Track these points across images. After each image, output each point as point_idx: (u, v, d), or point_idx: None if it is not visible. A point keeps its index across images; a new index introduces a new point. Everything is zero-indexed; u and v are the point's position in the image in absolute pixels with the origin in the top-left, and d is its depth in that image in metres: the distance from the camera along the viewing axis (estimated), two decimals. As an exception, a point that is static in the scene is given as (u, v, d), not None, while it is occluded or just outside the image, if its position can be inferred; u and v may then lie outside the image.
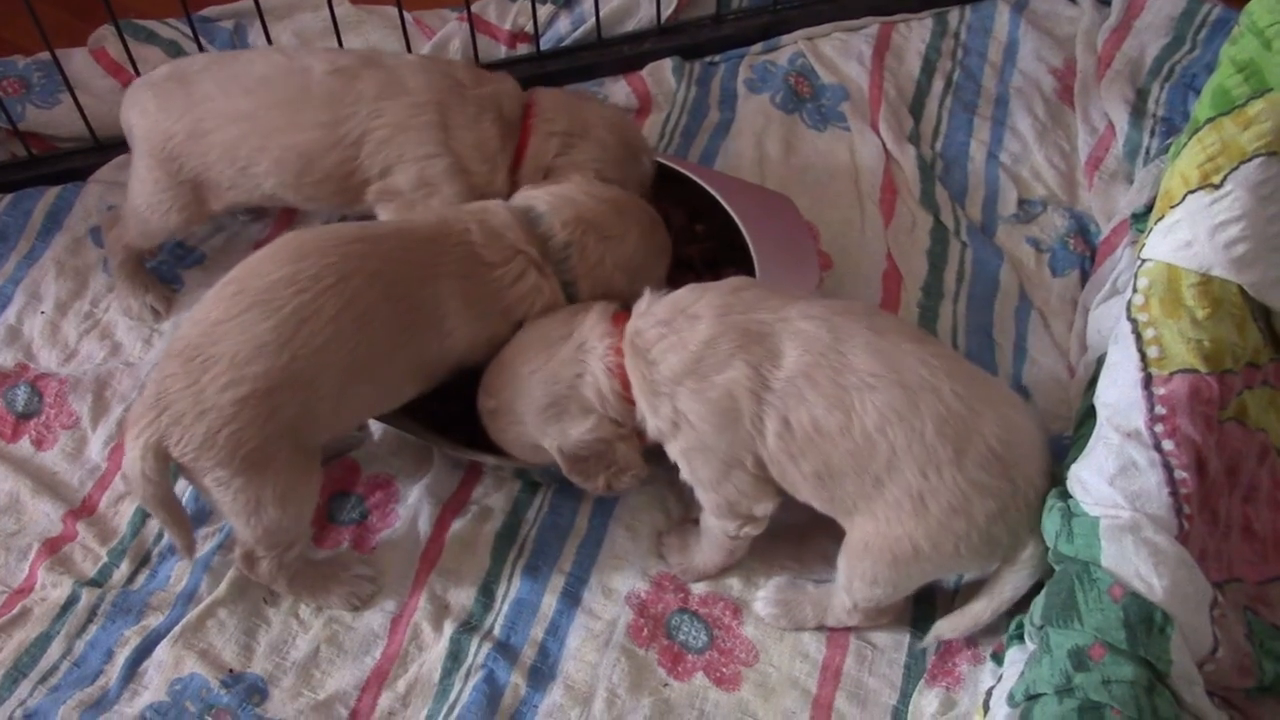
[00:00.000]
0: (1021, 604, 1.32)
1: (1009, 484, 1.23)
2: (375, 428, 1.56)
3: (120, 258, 1.67)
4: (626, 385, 1.29)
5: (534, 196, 1.43)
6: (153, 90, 1.54)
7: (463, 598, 1.42)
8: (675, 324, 1.27)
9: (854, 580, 1.30)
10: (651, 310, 1.30)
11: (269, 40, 1.83)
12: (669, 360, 1.26)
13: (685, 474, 1.31)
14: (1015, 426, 1.25)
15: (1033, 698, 1.14)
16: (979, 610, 1.32)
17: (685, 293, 1.31)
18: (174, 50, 1.90)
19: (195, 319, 1.29)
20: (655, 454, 1.34)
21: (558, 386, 1.31)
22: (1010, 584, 1.30)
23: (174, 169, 1.53)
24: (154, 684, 1.35)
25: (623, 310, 1.34)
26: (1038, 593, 1.24)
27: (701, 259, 1.64)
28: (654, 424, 1.29)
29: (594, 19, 1.96)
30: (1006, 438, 1.23)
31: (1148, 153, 1.79)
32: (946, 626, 1.34)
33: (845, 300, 1.45)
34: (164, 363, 1.28)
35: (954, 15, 2.05)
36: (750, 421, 1.25)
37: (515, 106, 1.54)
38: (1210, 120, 1.31)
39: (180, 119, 1.51)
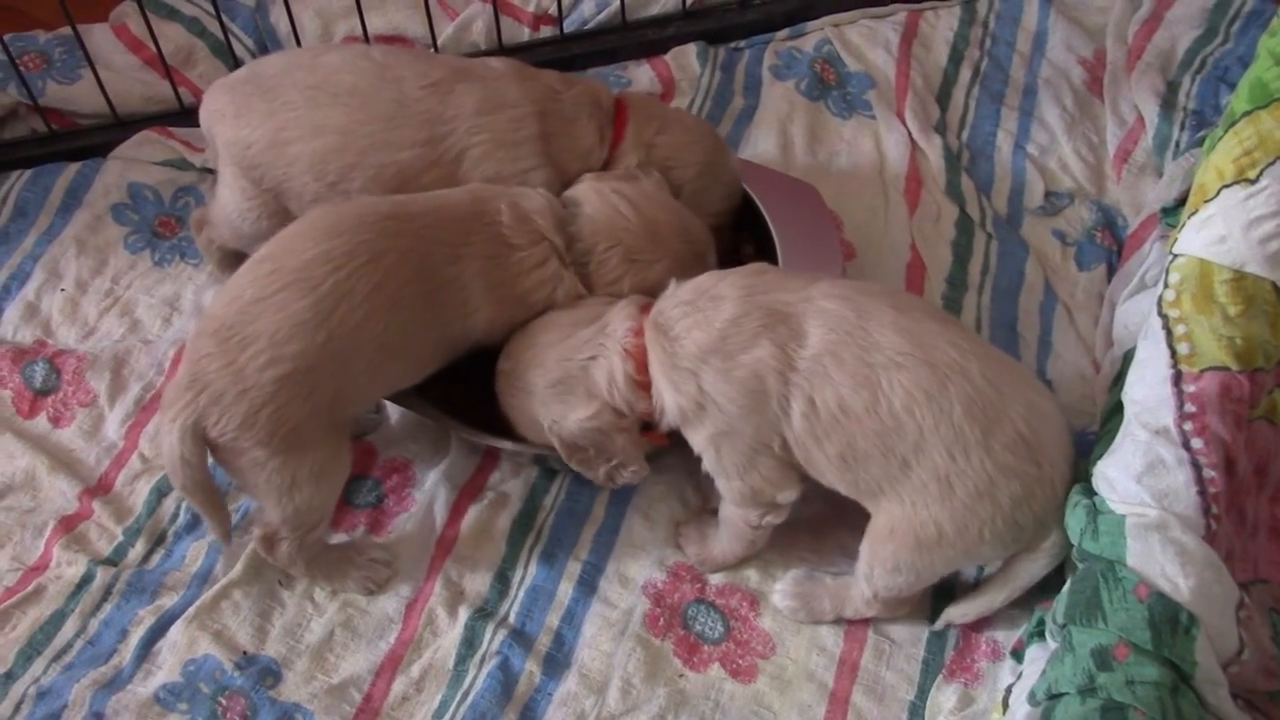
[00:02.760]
0: (1039, 597, 1.31)
1: (1035, 468, 1.22)
2: (392, 410, 1.56)
3: (216, 257, 1.66)
4: (642, 368, 1.28)
5: (586, 193, 1.41)
6: (231, 94, 1.48)
7: (478, 584, 1.41)
8: (699, 304, 1.26)
9: (875, 567, 1.29)
10: (675, 293, 1.29)
11: (291, 19, 1.82)
12: (693, 336, 1.25)
13: (709, 462, 1.30)
14: (1041, 410, 1.24)
15: (1054, 697, 1.13)
16: (992, 596, 1.31)
17: (707, 277, 1.30)
18: (195, 27, 1.89)
19: (228, 298, 1.28)
20: (674, 441, 1.33)
21: (569, 364, 1.30)
22: (1027, 572, 1.29)
23: (256, 177, 1.48)
24: (167, 664, 1.34)
25: (651, 303, 1.33)
26: (1058, 587, 1.23)
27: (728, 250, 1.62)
28: (675, 404, 1.27)
29: (618, 2, 1.94)
30: (1033, 421, 1.22)
31: (1177, 146, 1.76)
32: (958, 611, 1.34)
33: (867, 281, 1.44)
34: (197, 342, 1.26)
35: (983, 4, 2.03)
36: (777, 403, 1.23)
37: (609, 98, 1.52)
38: (1247, 113, 1.29)
39: (259, 126, 1.45)
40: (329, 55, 1.50)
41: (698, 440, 1.29)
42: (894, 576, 1.28)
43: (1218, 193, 1.27)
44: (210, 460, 1.29)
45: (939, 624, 1.36)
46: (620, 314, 1.31)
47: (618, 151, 1.50)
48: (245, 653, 1.35)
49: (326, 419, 1.28)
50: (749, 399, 1.24)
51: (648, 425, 1.32)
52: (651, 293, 1.36)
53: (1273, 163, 1.24)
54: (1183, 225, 1.30)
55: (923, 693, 1.34)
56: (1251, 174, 1.25)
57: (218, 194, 1.56)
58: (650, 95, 1.62)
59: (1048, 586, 1.31)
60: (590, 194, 1.41)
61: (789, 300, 1.25)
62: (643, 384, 1.28)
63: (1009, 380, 1.23)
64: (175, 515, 1.48)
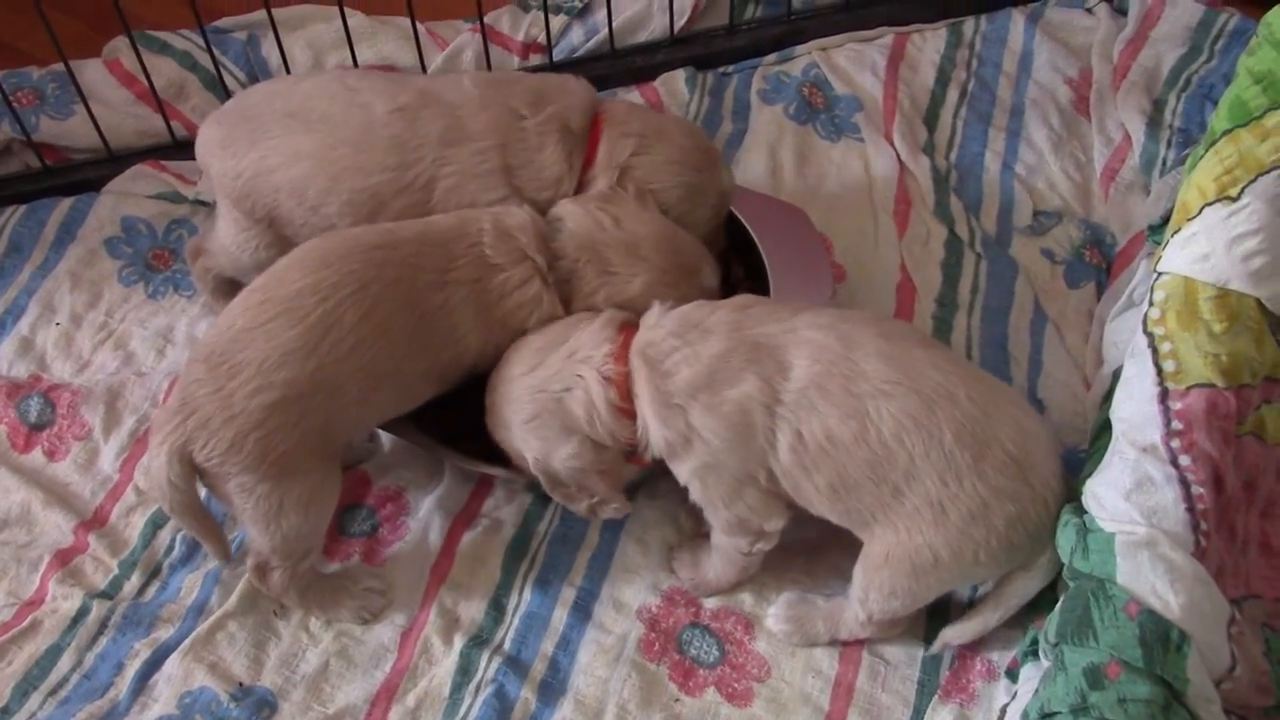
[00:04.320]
0: (1033, 615, 1.32)
1: (1027, 488, 1.23)
2: (386, 439, 1.56)
3: (211, 285, 1.66)
4: (625, 396, 1.27)
5: (568, 209, 1.41)
6: (219, 127, 1.51)
7: (473, 611, 1.42)
8: (688, 337, 1.26)
9: (870, 592, 1.29)
10: (662, 323, 1.28)
11: (282, 51, 1.83)
12: (683, 372, 1.24)
13: (695, 493, 1.30)
14: (1028, 429, 1.24)
15: (1048, 716, 1.13)
16: (987, 615, 1.32)
17: (694, 308, 1.30)
18: (187, 62, 1.91)
19: (220, 326, 1.30)
20: (663, 466, 1.33)
21: (542, 396, 1.29)
22: (1021, 590, 1.29)
23: (247, 208, 1.49)
24: (163, 697, 1.34)
25: (630, 321, 1.32)
26: (1052, 605, 1.24)
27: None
28: (661, 437, 1.27)
29: (607, 30, 1.95)
30: (1022, 441, 1.23)
31: (1164, 164, 1.77)
32: (954, 633, 1.34)
33: (853, 309, 1.44)
34: (189, 368, 1.29)
35: (969, 26, 2.04)
36: (763, 436, 1.24)
37: (582, 119, 1.49)
38: (1227, 132, 1.30)
39: (244, 156, 1.47)
40: (305, 83, 1.52)
41: (683, 472, 1.29)
42: (890, 601, 1.29)
43: (1200, 211, 1.27)
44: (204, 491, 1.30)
45: (935, 647, 1.36)
46: (592, 337, 1.29)
47: (587, 176, 1.48)
48: (241, 684, 1.36)
49: (316, 446, 1.29)
50: (734, 433, 1.24)
51: (630, 451, 1.32)
52: (633, 308, 1.36)
53: (1254, 180, 1.25)
54: (1166, 244, 1.31)
55: (918, 714, 1.34)
56: (1233, 192, 1.26)
57: (216, 226, 1.58)
58: (635, 107, 1.56)
59: (1042, 605, 1.31)
60: (573, 210, 1.41)
61: (773, 332, 1.25)
62: (627, 411, 1.28)
63: (996, 401, 1.24)
64: (170, 547, 1.48)
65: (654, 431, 1.27)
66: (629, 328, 1.31)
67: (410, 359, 1.33)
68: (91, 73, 1.90)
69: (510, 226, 1.37)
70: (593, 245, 1.38)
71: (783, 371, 1.23)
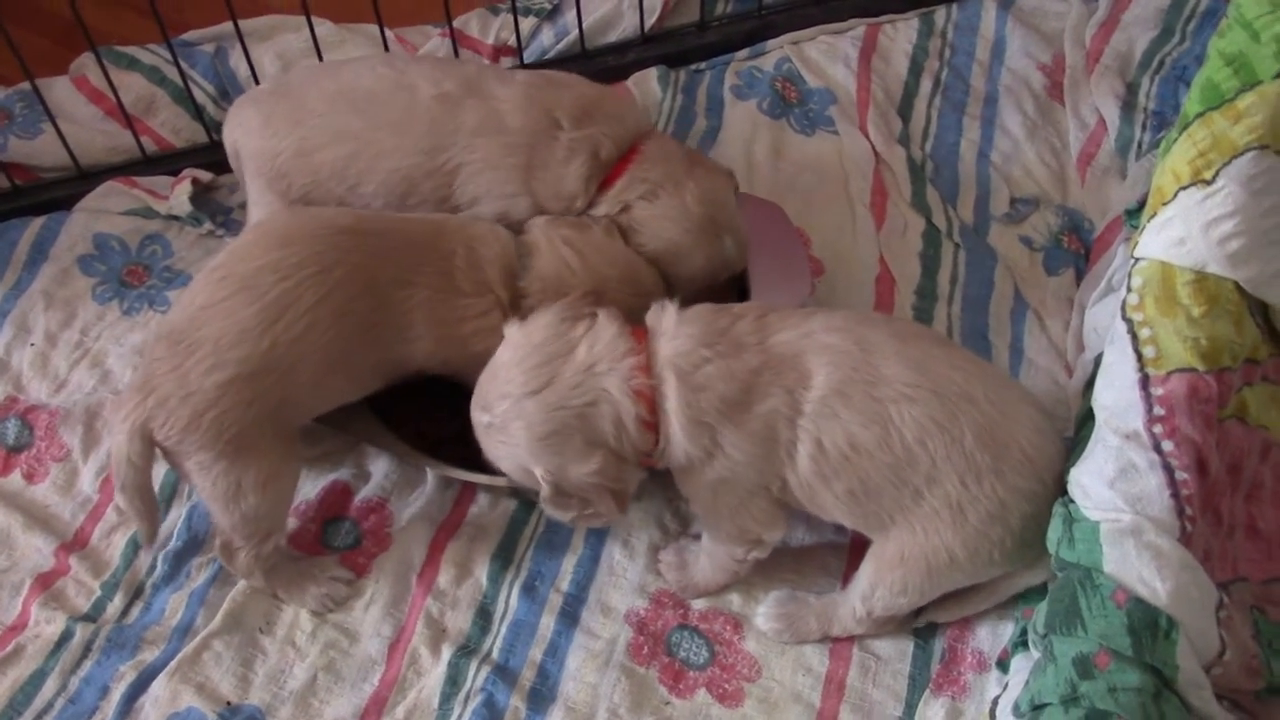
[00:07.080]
0: (1022, 606, 1.31)
1: (1042, 486, 1.23)
2: (367, 450, 1.55)
3: None
4: (652, 410, 1.22)
5: (537, 240, 1.41)
6: (256, 107, 1.51)
7: (460, 620, 1.41)
8: (718, 348, 1.22)
9: (879, 589, 1.28)
10: (682, 330, 1.23)
11: (250, 63, 1.82)
12: (718, 387, 1.21)
13: (702, 505, 1.29)
14: (1041, 427, 1.25)
15: (1039, 707, 1.13)
16: (977, 602, 1.33)
17: (712, 314, 1.25)
18: (156, 76, 1.89)
19: (182, 304, 1.31)
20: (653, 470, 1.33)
21: (563, 413, 1.20)
22: (1017, 584, 1.30)
23: (284, 188, 1.49)
24: (151, 719, 1.33)
25: (637, 325, 1.26)
26: (1041, 598, 1.23)
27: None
28: (685, 452, 1.22)
29: (577, 30, 1.94)
30: (1038, 441, 1.23)
31: (1140, 147, 1.77)
32: (941, 613, 1.35)
33: (861, 311, 1.42)
34: (152, 347, 1.30)
35: (940, 14, 2.03)
36: (784, 449, 1.23)
37: (614, 151, 1.48)
38: (1200, 115, 1.29)
39: (287, 136, 1.47)
40: (353, 63, 1.54)
41: (695, 484, 1.26)
42: (898, 598, 1.29)
43: (1175, 195, 1.27)
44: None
45: (919, 622, 1.36)
46: (609, 347, 1.22)
47: (599, 199, 1.48)
48: (229, 703, 1.34)
49: (273, 427, 1.30)
50: (759, 448, 1.22)
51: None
52: None
53: (1228, 163, 1.25)
54: (1142, 229, 1.31)
55: (910, 708, 1.33)
56: (1207, 175, 1.25)
57: (249, 213, 1.57)
58: (675, 153, 1.51)
59: (1031, 596, 1.32)
60: (541, 242, 1.40)
61: (790, 339, 1.23)
62: (651, 425, 1.23)
63: (1011, 400, 1.24)
64: (153, 567, 1.47)
65: (678, 445, 1.22)
66: (638, 330, 1.25)
67: (362, 348, 1.34)
68: (59, 90, 1.88)
69: (481, 257, 1.38)
70: (559, 289, 1.38)
71: (804, 381, 1.21)
